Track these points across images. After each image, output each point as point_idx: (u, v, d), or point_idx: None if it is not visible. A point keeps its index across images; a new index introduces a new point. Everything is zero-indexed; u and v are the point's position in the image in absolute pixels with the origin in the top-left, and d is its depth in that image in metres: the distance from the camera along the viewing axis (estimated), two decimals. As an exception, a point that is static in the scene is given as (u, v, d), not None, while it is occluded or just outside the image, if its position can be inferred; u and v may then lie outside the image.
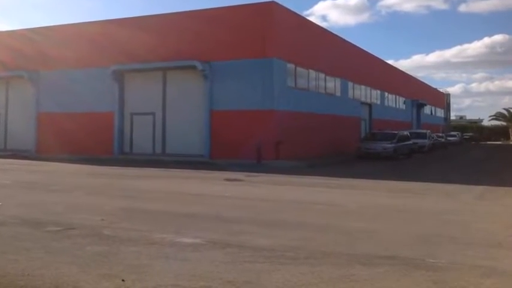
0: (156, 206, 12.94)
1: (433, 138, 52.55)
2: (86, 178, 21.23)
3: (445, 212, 12.34)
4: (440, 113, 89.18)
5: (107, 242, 8.66)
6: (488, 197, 15.90)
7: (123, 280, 6.47)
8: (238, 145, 29.44)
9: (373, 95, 50.62)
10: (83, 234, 9.27)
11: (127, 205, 13.11)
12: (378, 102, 52.38)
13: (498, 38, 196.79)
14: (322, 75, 37.44)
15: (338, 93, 40.93)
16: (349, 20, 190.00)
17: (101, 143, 33.90)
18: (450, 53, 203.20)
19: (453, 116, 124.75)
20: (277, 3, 31.31)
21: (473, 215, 12.08)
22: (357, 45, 46.98)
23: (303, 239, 9.04)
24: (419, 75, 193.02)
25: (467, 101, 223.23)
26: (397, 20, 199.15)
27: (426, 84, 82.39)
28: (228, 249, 8.11)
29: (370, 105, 49.76)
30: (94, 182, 19.58)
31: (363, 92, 47.49)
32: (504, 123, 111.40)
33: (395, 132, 37.97)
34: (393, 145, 35.10)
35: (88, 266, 7.13)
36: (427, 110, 76.09)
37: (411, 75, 73.02)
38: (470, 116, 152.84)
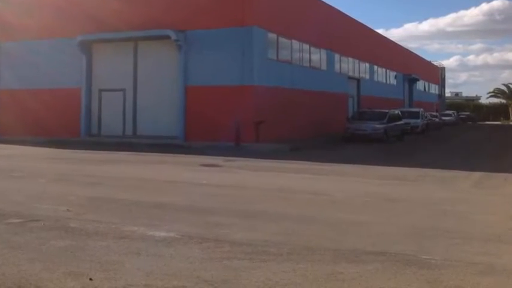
0: (126, 195, 12.94)
1: (426, 117, 52.88)
2: (50, 163, 21.14)
3: (440, 202, 12.44)
4: (434, 89, 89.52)
5: (73, 235, 8.64)
6: (486, 185, 16.04)
7: (90, 279, 6.46)
8: (215, 125, 29.41)
9: (361, 69, 50.61)
10: (47, 226, 9.25)
11: (94, 194, 13.09)
12: (367, 76, 52.42)
13: (497, 4, 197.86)
14: (306, 46, 37.42)
15: (324, 67, 40.89)
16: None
17: (66, 124, 33.60)
18: (445, 21, 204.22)
19: (448, 92, 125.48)
20: (256, -35, 31.21)
21: (471, 205, 12.19)
22: (344, 12, 47.01)
23: (286, 232, 9.07)
24: (411, 46, 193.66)
25: (463, 76, 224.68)
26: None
27: (419, 57, 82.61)
28: (204, 244, 8.12)
29: (358, 80, 49.76)
30: (59, 167, 19.53)
31: (350, 66, 47.45)
32: (503, 101, 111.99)
33: (386, 111, 37.96)
34: (383, 126, 35.07)
35: (53, 263, 7.10)
36: (420, 85, 76.36)
37: (403, 47, 73.18)
38: (467, 92, 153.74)
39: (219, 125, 29.17)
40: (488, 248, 8.22)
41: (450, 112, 78.78)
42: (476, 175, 17.89)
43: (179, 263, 7.19)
